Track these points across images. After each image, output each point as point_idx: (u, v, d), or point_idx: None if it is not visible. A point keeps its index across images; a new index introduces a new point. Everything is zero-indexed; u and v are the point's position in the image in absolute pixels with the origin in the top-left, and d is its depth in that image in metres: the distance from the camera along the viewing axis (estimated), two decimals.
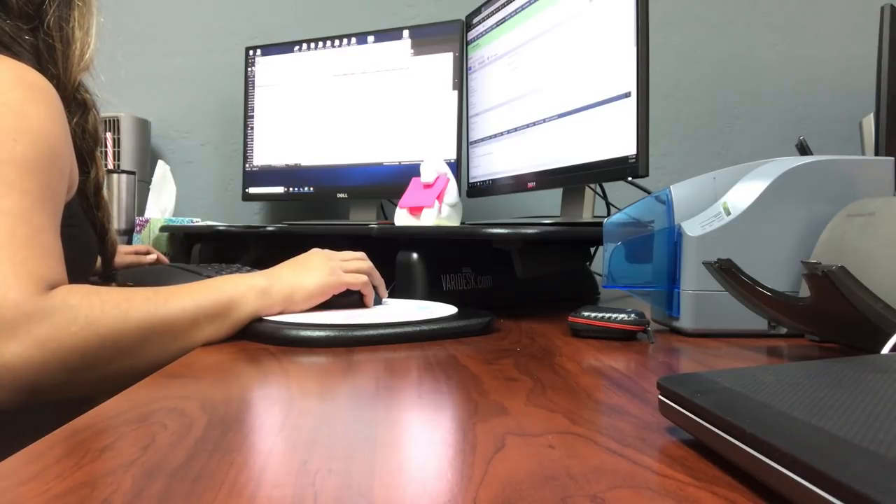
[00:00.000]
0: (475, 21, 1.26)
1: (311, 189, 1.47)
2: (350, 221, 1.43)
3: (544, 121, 1.03)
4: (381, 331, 0.57)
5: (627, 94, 0.84)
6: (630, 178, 0.88)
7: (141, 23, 1.63)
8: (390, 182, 1.36)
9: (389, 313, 0.64)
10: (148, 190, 1.44)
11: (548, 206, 1.45)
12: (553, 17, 1.01)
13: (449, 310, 0.67)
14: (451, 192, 0.93)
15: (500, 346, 0.56)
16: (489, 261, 0.90)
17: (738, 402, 0.27)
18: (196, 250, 1.33)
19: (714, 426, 0.27)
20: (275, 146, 1.51)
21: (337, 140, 1.43)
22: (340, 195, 1.43)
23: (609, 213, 1.10)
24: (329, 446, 0.29)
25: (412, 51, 1.36)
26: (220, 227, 1.26)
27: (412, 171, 1.04)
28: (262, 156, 1.52)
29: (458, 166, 1.28)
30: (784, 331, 0.62)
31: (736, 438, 0.25)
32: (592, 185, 1.02)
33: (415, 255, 0.81)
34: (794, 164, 0.63)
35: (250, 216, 1.68)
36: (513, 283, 0.83)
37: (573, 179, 0.98)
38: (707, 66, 1.55)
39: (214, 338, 0.56)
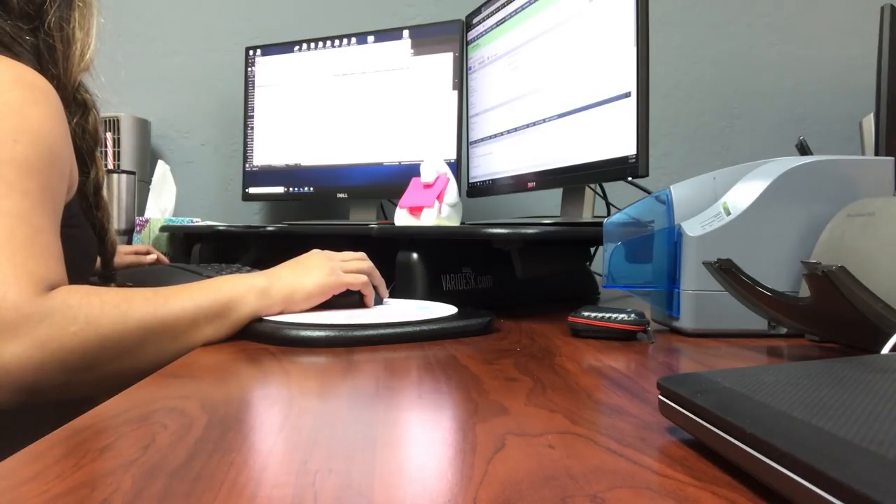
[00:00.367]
0: (475, 21, 1.26)
1: (311, 189, 1.47)
2: (350, 221, 1.43)
3: (544, 121, 1.03)
4: (381, 331, 0.57)
5: (627, 94, 0.84)
6: (630, 178, 0.88)
7: (141, 23, 1.63)
8: (390, 182, 1.36)
9: (389, 313, 0.64)
10: (148, 190, 1.44)
11: (548, 206, 1.45)
12: (553, 17, 1.01)
13: (449, 310, 0.67)
14: (451, 192, 0.93)
15: (500, 346, 0.56)
16: (489, 261, 0.90)
17: (738, 402, 0.27)
18: (196, 250, 1.33)
19: (714, 426, 0.27)
20: (275, 146, 1.51)
21: (337, 140, 1.43)
22: (340, 195, 1.43)
23: (609, 213, 1.10)
24: (329, 446, 0.29)
25: (412, 51, 1.36)
26: (220, 227, 1.26)
27: (412, 171, 1.04)
28: (262, 156, 1.52)
29: (458, 166, 1.28)
30: (784, 331, 0.62)
31: (736, 438, 0.25)
32: (592, 185, 1.02)
33: (415, 255, 0.81)
34: (794, 164, 0.63)
35: (250, 216, 1.68)
36: (513, 283, 0.83)
37: (573, 179, 0.98)
38: (707, 66, 1.55)
39: (214, 338, 0.56)
